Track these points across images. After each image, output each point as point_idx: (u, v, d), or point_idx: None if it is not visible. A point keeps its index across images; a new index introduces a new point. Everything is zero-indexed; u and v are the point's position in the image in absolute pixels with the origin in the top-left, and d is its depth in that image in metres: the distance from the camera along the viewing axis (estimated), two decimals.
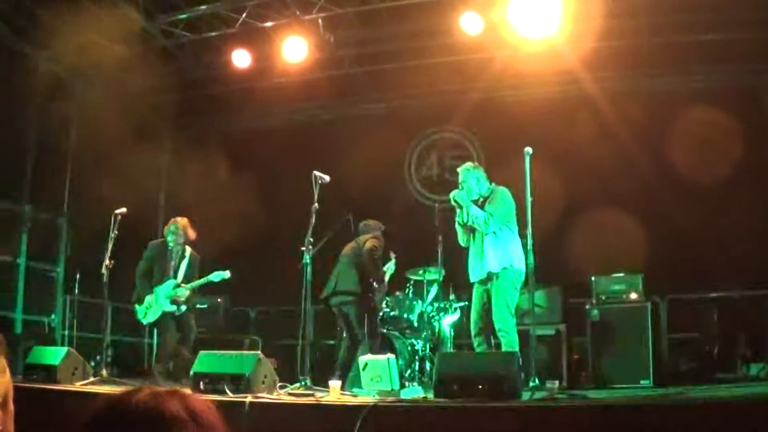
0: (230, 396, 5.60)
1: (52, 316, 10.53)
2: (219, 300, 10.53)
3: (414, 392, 6.67)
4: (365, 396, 5.98)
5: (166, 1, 9.86)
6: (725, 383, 7.30)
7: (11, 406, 3.71)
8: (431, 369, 7.94)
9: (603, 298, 8.58)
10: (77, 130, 11.38)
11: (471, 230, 7.11)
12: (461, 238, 7.23)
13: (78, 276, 10.22)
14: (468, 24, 9.42)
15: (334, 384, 6.16)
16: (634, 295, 8.44)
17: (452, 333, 9.23)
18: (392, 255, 8.70)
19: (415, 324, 8.92)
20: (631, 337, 8.16)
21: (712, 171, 9.31)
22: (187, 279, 8.51)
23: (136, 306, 8.44)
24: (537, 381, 5.93)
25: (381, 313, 8.63)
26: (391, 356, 6.24)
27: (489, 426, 4.77)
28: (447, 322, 9.17)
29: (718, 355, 8.61)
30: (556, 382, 5.65)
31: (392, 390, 5.99)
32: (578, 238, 9.59)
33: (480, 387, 5.21)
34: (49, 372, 6.64)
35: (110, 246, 7.82)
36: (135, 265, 8.69)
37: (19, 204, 10.43)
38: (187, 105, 12.37)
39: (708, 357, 8.72)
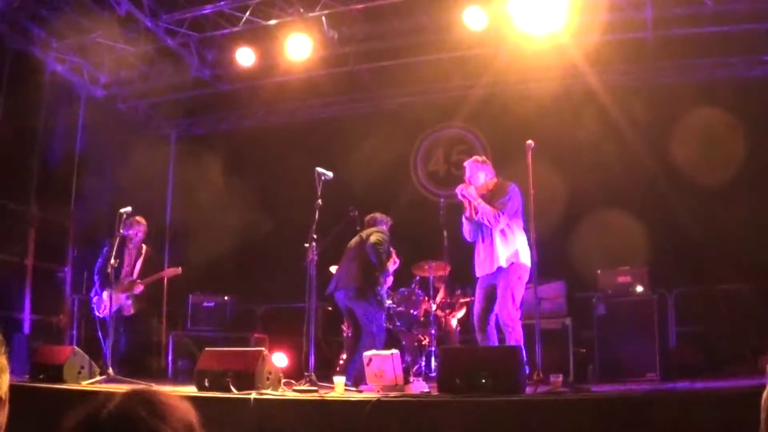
0: (234, 393, 5.61)
1: (60, 316, 10.56)
2: (226, 298, 10.55)
3: (419, 388, 6.66)
4: (369, 391, 5.98)
5: (171, 1, 9.86)
6: (734, 376, 7.26)
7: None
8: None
9: (609, 291, 8.56)
10: (83, 130, 11.41)
11: (478, 225, 7.10)
12: (467, 233, 7.22)
13: (85, 275, 10.23)
14: (471, 19, 9.39)
15: (339, 380, 6.17)
16: (640, 289, 8.42)
17: (458, 328, 9.25)
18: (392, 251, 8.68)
19: (421, 319, 8.93)
20: (637, 331, 8.13)
21: (717, 164, 9.26)
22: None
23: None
24: (540, 375, 5.92)
25: (388, 309, 8.63)
26: (396, 351, 6.24)
27: (492, 420, 4.76)
28: (453, 317, 9.18)
29: (727, 347, 8.55)
30: (560, 376, 5.62)
31: (396, 385, 6.00)
32: (583, 231, 9.56)
33: (483, 381, 5.21)
34: (55, 371, 6.66)
35: (115, 245, 7.84)
36: None
37: (26, 204, 10.46)
38: (192, 104, 12.42)
39: (716, 350, 8.66)
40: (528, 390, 5.41)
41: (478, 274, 7.13)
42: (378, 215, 8.41)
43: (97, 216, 10.24)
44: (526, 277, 6.87)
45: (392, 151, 11.38)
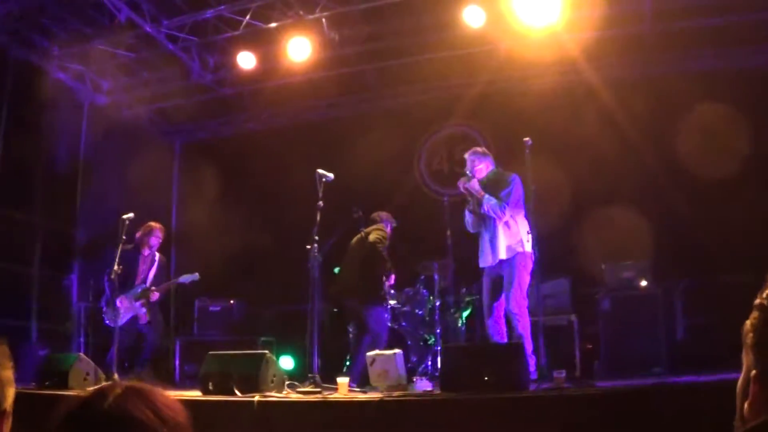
0: (238, 396, 5.62)
1: (67, 324, 10.60)
2: (231, 302, 10.58)
3: (422, 387, 6.65)
4: (373, 391, 5.98)
5: (171, 6, 9.88)
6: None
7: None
8: None
9: (613, 286, 8.53)
10: (87, 138, 11.45)
11: (482, 217, 7.16)
12: (470, 225, 7.29)
13: (92, 283, 10.26)
14: (471, 17, 9.39)
15: (342, 381, 6.17)
16: (644, 283, 8.39)
17: (464, 326, 9.23)
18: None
19: (427, 319, 8.91)
20: (642, 325, 8.10)
21: (719, 156, 9.19)
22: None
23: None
24: (544, 371, 5.91)
25: (392, 309, 8.62)
26: (399, 351, 6.24)
27: (496, 418, 4.75)
28: (458, 315, 9.16)
29: (733, 339, 8.49)
30: (563, 372, 5.60)
31: (400, 385, 6.00)
32: (586, 227, 9.52)
33: (486, 379, 5.20)
34: (61, 378, 6.69)
35: (118, 251, 7.85)
36: None
37: (32, 213, 10.50)
38: (194, 108, 12.42)
39: (722, 342, 8.60)
40: (531, 387, 5.40)
41: (482, 265, 7.21)
42: (384, 214, 8.41)
43: (103, 223, 10.26)
44: (530, 265, 6.96)
45: (395, 151, 11.37)
